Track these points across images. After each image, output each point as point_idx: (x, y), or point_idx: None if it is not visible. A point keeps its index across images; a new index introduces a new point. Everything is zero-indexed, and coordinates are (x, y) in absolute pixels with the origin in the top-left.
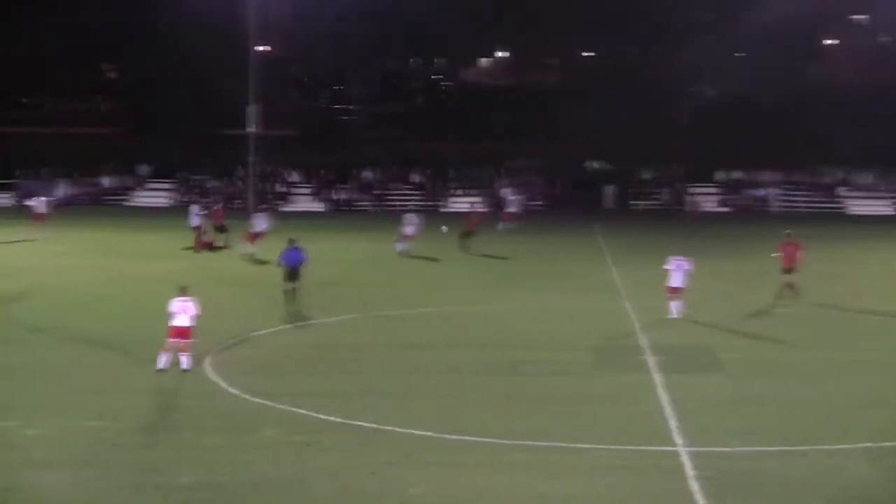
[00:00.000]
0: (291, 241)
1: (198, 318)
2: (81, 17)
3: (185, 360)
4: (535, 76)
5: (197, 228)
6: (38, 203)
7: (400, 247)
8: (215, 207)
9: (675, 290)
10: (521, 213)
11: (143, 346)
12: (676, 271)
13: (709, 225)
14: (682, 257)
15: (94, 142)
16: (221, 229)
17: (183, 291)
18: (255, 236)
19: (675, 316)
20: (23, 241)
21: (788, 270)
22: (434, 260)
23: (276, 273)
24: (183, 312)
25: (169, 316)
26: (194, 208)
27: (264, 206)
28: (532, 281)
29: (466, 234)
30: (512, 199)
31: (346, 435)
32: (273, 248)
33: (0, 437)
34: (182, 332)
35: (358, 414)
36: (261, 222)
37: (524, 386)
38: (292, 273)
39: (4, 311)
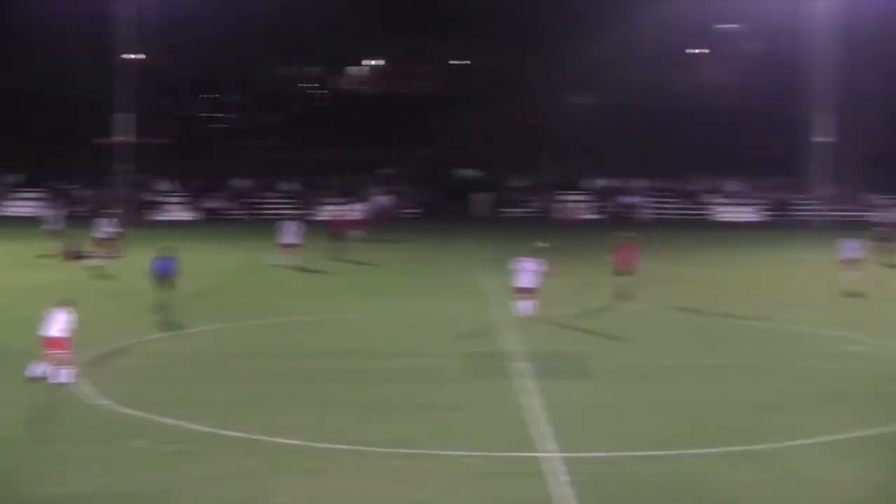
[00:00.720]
0: (164, 250)
1: (73, 329)
2: None
3: (63, 374)
4: (409, 84)
5: (57, 237)
6: None
7: (274, 259)
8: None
9: (522, 291)
10: (380, 220)
11: (14, 357)
12: (523, 272)
13: (580, 232)
14: (528, 258)
15: None
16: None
17: (62, 303)
18: (100, 242)
19: (522, 314)
20: None
21: (623, 272)
22: (305, 269)
23: (149, 282)
24: (58, 323)
25: (43, 327)
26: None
27: (109, 211)
28: (402, 288)
29: (335, 239)
30: (363, 208)
31: (217, 444)
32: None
33: None
34: (56, 343)
35: (228, 423)
36: (104, 228)
37: (394, 393)
38: (163, 282)
39: None
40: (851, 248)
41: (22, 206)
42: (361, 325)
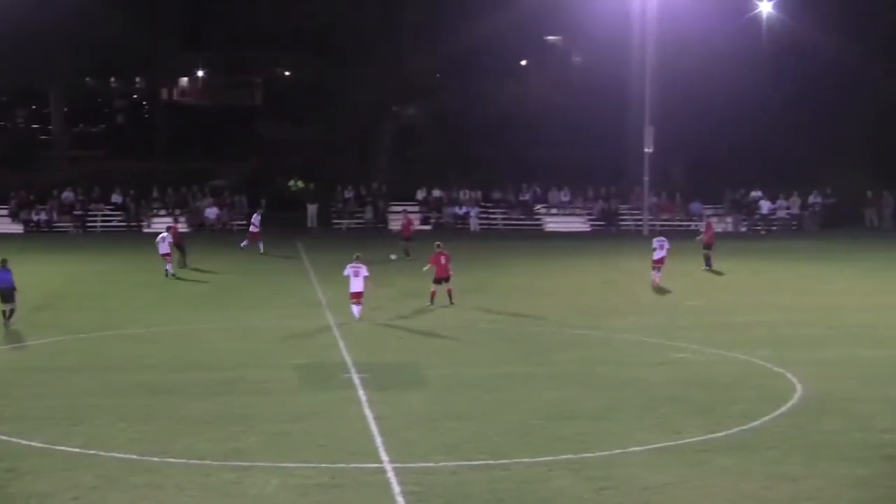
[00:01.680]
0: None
1: None
2: None
3: None
4: (237, 95)
5: None
6: None
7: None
8: None
9: (355, 295)
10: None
11: None
12: (355, 277)
13: (413, 242)
14: (359, 264)
15: None
16: None
17: None
18: None
19: (358, 318)
20: None
21: (440, 280)
22: (137, 280)
23: None
24: None
25: None
26: None
27: None
28: (236, 300)
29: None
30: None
31: (50, 460)
32: None
33: None
34: None
35: (61, 438)
36: None
37: (229, 406)
38: (4, 294)
39: None
40: (659, 246)
41: None
42: (194, 337)
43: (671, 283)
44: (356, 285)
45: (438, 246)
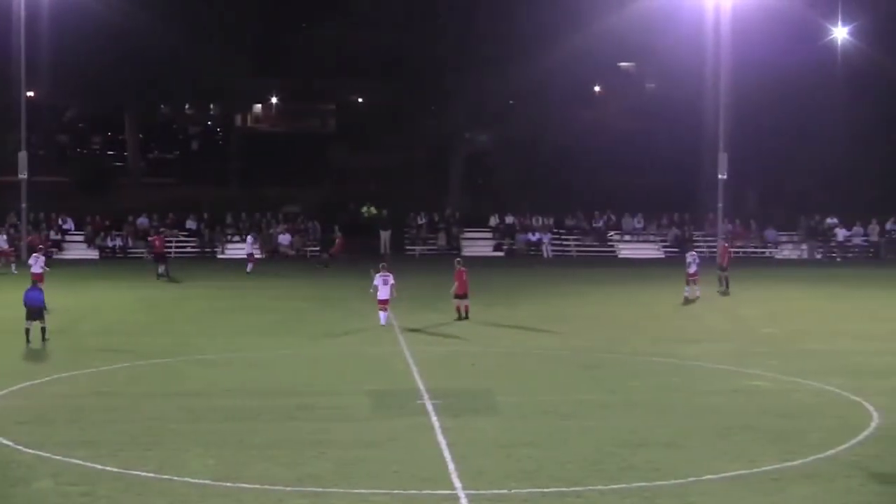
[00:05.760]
0: (34, 282)
1: None
2: None
3: None
4: (310, 122)
5: None
6: None
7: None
8: None
9: (382, 302)
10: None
11: None
12: (384, 286)
13: (484, 269)
14: (387, 273)
15: None
16: None
17: None
18: (37, 277)
19: (384, 324)
20: None
21: (461, 296)
22: (212, 306)
23: (50, 319)
24: None
25: None
26: None
27: (41, 247)
28: (309, 326)
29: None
30: (253, 241)
31: (123, 485)
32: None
33: None
34: None
35: (135, 463)
36: (36, 264)
37: (303, 431)
38: (33, 312)
39: None
40: (692, 260)
41: None
42: (267, 362)
43: (746, 310)
44: (384, 293)
45: (459, 262)
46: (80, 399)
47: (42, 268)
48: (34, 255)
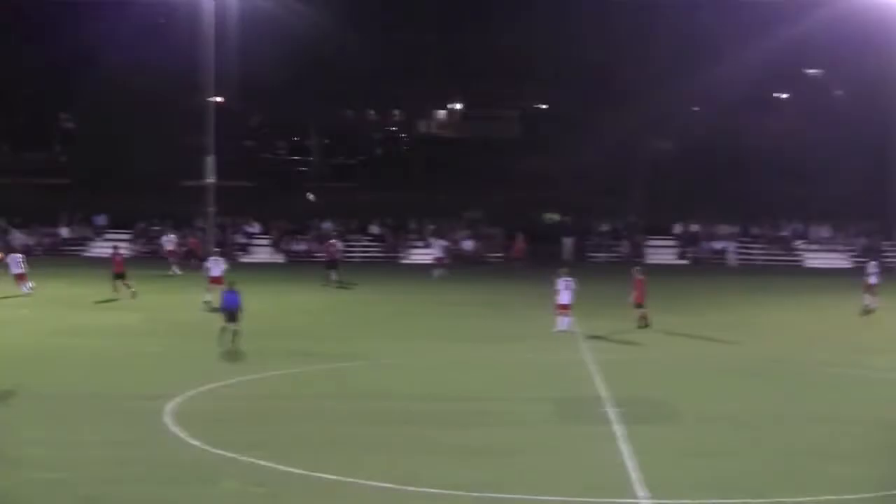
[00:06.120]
0: (228, 284)
1: None
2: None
3: None
4: (492, 128)
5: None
6: (16, 263)
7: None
8: (116, 255)
9: (564, 307)
10: (463, 263)
11: (98, 398)
12: (564, 290)
13: (667, 277)
14: (569, 278)
15: (51, 192)
16: (120, 276)
17: None
18: (213, 281)
19: (564, 329)
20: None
21: (640, 305)
22: (393, 310)
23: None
24: None
25: None
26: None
27: (217, 250)
28: (487, 331)
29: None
30: (443, 246)
31: (307, 487)
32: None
33: None
34: None
35: (319, 465)
36: (216, 267)
37: (481, 437)
38: (230, 314)
39: None
40: (873, 272)
41: (110, 248)
42: (446, 368)
43: None
44: (566, 298)
45: (637, 271)
46: (264, 401)
47: (220, 271)
48: (211, 258)
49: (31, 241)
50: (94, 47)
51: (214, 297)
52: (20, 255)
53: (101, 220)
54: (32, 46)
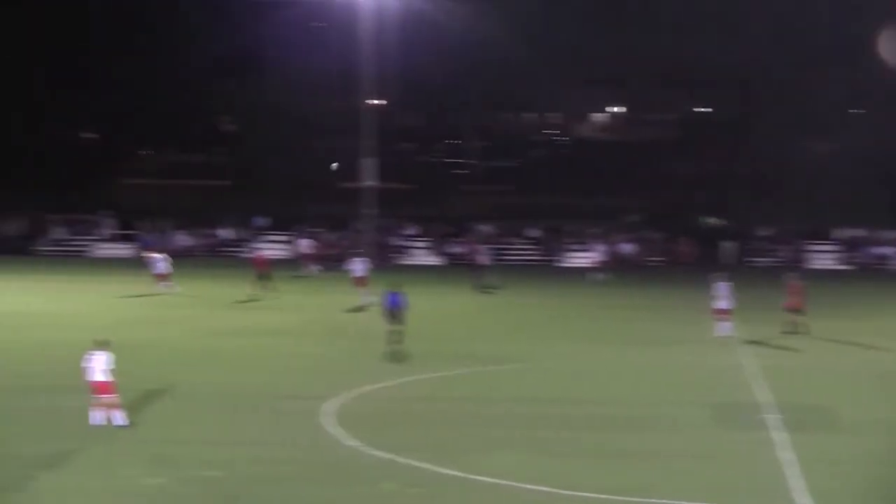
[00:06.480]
0: (393, 286)
1: (113, 371)
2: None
3: (118, 417)
4: (648, 131)
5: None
6: (160, 262)
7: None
8: (256, 256)
9: (723, 312)
10: (623, 266)
11: (257, 398)
12: (723, 295)
13: (830, 283)
14: (724, 283)
15: (209, 194)
16: (265, 276)
17: (100, 345)
18: (358, 282)
19: (723, 334)
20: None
21: (796, 311)
22: (550, 314)
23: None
24: (97, 366)
25: (84, 371)
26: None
27: (360, 250)
28: (646, 335)
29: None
30: (603, 249)
31: (465, 489)
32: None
33: (124, 485)
34: (101, 387)
35: (476, 468)
36: (358, 268)
37: (638, 441)
38: (393, 315)
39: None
40: None
41: (269, 249)
42: (601, 372)
43: None
44: (724, 303)
45: (792, 276)
46: (422, 403)
47: (364, 272)
48: (354, 259)
49: (191, 242)
50: (255, 50)
51: (371, 296)
52: (162, 255)
53: (261, 221)
54: (195, 49)
